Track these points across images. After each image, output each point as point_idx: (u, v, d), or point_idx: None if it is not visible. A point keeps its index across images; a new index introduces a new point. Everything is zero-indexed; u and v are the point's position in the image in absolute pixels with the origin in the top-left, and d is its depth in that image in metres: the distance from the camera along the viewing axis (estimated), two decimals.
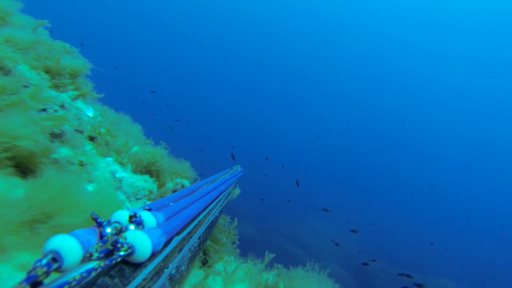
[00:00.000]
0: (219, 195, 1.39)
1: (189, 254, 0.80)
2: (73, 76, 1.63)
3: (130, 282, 0.57)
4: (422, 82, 46.42)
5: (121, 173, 1.36)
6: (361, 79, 48.49)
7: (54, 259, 0.51)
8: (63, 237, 0.55)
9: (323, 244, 15.03)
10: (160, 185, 1.78)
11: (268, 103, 50.82)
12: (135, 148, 1.81)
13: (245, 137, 41.52)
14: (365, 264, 7.94)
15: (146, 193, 1.51)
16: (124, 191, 1.30)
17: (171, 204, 0.90)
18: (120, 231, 0.66)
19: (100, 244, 0.59)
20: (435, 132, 47.55)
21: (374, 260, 8.00)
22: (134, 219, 0.71)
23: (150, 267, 0.63)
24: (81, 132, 1.41)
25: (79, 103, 1.62)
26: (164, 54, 50.44)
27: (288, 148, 43.59)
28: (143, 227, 0.72)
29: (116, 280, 0.56)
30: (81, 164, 1.17)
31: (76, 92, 1.60)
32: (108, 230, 0.63)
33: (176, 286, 0.71)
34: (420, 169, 41.85)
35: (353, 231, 8.86)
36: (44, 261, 0.49)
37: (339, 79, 49.40)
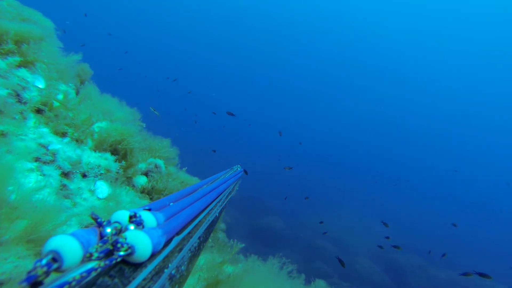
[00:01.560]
0: (219, 195, 1.39)
1: (189, 254, 0.80)
2: (18, 42, 1.47)
3: (130, 282, 0.57)
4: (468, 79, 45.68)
5: (55, 145, 1.21)
6: (399, 76, 48.16)
7: (54, 259, 0.51)
8: (63, 237, 0.55)
9: (354, 238, 14.60)
10: (128, 165, 1.66)
11: (295, 100, 51.03)
12: (101, 124, 1.65)
13: (268, 133, 41.69)
14: (396, 246, 7.68)
15: (102, 171, 1.41)
16: (59, 165, 1.17)
17: (171, 204, 0.90)
18: (120, 231, 0.66)
19: (100, 244, 0.59)
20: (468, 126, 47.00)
21: (397, 247, 7.71)
22: (134, 219, 0.71)
23: (150, 267, 0.63)
24: (23, 102, 1.27)
25: (24, 72, 1.43)
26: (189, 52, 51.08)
27: (319, 142, 43.96)
28: (143, 227, 0.72)
29: (116, 280, 0.56)
30: (1, 134, 1.07)
31: (17, 59, 1.37)
32: (108, 230, 0.63)
33: (176, 286, 0.71)
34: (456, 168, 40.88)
35: (384, 223, 8.58)
36: (44, 261, 0.49)
37: (374, 77, 49.17)
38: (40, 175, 1.06)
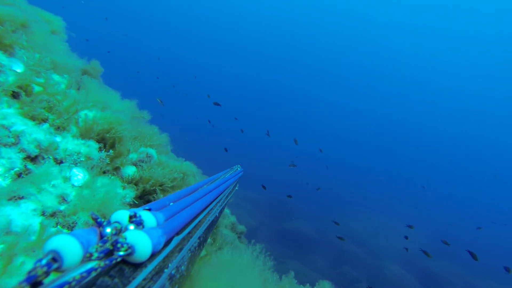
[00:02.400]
0: (219, 195, 1.39)
1: (189, 254, 0.80)
2: None
3: (130, 282, 0.57)
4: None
5: (20, 127, 1.14)
6: (414, 78, 47.81)
7: (54, 259, 0.51)
8: (63, 237, 0.55)
9: (381, 242, 14.05)
10: (116, 155, 1.60)
11: (317, 105, 50.94)
12: (88, 113, 1.60)
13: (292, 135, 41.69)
14: (425, 252, 7.35)
15: (82, 158, 1.32)
16: (23, 148, 1.10)
17: (171, 204, 0.90)
18: (120, 231, 0.66)
19: (100, 244, 0.59)
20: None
21: (427, 254, 7.33)
22: (134, 219, 0.71)
23: (150, 267, 0.63)
24: None
25: (0, 56, 1.36)
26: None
27: (344, 145, 43.73)
28: (143, 227, 0.72)
29: (116, 280, 0.56)
30: None
31: None
32: (108, 230, 0.63)
33: (176, 286, 0.71)
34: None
35: (409, 226, 8.20)
36: (44, 261, 0.49)
37: (394, 77, 48.85)
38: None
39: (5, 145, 1.05)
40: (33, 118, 1.30)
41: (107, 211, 1.21)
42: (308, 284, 2.14)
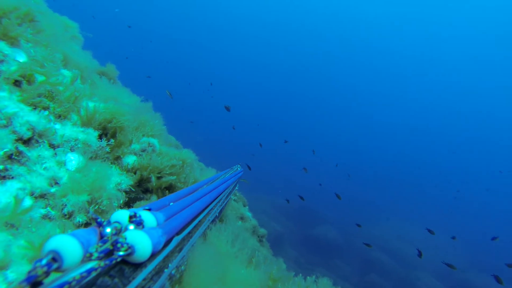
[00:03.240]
0: (219, 195, 1.39)
1: (190, 254, 0.80)
2: (0, 14, 1.50)
3: (130, 282, 0.57)
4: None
5: (12, 109, 1.18)
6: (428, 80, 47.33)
7: (54, 259, 0.51)
8: (63, 237, 0.54)
9: (413, 251, 13.14)
10: (117, 144, 1.66)
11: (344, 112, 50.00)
12: (89, 103, 1.64)
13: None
14: (450, 265, 6.61)
15: (79, 145, 1.37)
16: (15, 130, 1.15)
17: (171, 204, 0.90)
18: (120, 231, 0.66)
19: (100, 244, 0.59)
20: None
21: (452, 266, 6.65)
22: (134, 219, 0.70)
23: (150, 267, 0.63)
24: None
25: (3, 46, 1.45)
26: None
27: (377, 150, 42.59)
28: (143, 227, 0.72)
29: (116, 280, 0.56)
30: None
31: None
32: (108, 230, 0.63)
33: (176, 286, 0.71)
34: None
35: (429, 230, 7.50)
36: (44, 261, 0.49)
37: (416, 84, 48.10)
38: None
39: None
40: (34, 106, 1.35)
41: (98, 194, 1.23)
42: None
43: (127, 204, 1.54)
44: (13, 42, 1.54)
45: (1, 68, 1.33)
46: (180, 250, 0.76)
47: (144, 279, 0.60)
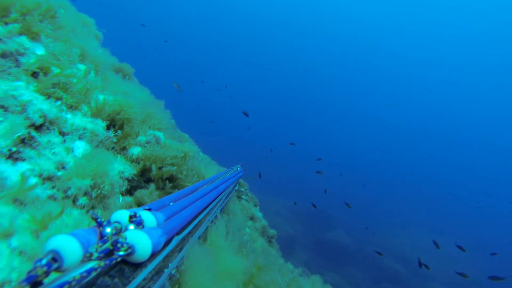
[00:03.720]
0: (219, 195, 1.39)
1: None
2: (23, 13, 1.64)
3: (130, 282, 0.57)
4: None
5: (27, 97, 1.30)
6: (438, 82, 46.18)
7: (54, 259, 0.51)
8: (63, 237, 0.54)
9: (429, 260, 12.43)
10: (124, 135, 1.77)
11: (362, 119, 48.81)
12: (99, 95, 1.76)
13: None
14: (462, 274, 6.24)
15: (87, 134, 1.50)
16: (28, 116, 1.26)
17: (171, 204, 0.90)
18: (120, 231, 0.66)
19: (100, 244, 0.59)
20: None
21: (464, 275, 6.13)
22: (134, 219, 0.70)
23: (150, 267, 0.63)
24: (17, 65, 1.43)
25: (24, 40, 1.58)
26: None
27: (391, 158, 41.41)
28: (143, 227, 0.72)
29: (116, 280, 0.56)
30: None
31: (16, 25, 1.57)
32: (108, 230, 0.63)
33: (176, 286, 0.71)
34: None
35: (459, 247, 7.11)
36: (44, 261, 0.49)
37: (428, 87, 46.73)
38: (3, 121, 1.18)
39: (12, 112, 1.21)
40: (48, 96, 1.45)
41: (101, 180, 1.34)
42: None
43: (129, 192, 1.60)
44: (34, 37, 1.65)
45: (21, 60, 1.45)
46: (180, 250, 0.76)
47: (144, 279, 0.60)
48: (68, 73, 1.59)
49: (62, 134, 1.39)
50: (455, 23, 39.32)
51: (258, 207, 4.46)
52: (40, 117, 1.30)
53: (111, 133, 1.64)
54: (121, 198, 1.53)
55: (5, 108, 1.20)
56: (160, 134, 1.92)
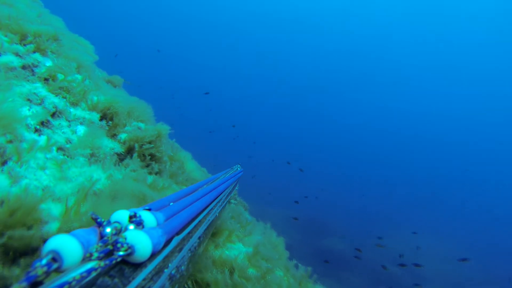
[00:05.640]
0: (219, 195, 1.39)
1: (189, 254, 0.80)
2: (36, 37, 2.30)
3: (130, 282, 0.57)
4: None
5: (44, 93, 1.86)
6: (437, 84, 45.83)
7: (54, 259, 0.51)
8: (63, 237, 0.55)
9: (430, 265, 12.23)
10: (114, 125, 2.27)
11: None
12: (94, 96, 2.29)
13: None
14: (464, 259, 6.47)
15: (86, 122, 2.02)
16: (45, 107, 1.79)
17: (171, 204, 0.90)
18: (120, 231, 0.66)
19: (100, 244, 0.59)
20: None
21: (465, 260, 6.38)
22: (134, 219, 0.71)
23: (150, 267, 0.63)
24: (33, 73, 2.00)
25: (37, 55, 2.20)
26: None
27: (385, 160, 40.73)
28: (143, 227, 0.72)
29: (116, 280, 0.56)
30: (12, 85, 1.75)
31: (32, 45, 2.22)
32: (108, 230, 0.63)
33: (176, 286, 0.71)
34: None
35: (464, 259, 6.92)
36: (44, 261, 0.49)
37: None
38: (29, 109, 1.69)
39: (34, 104, 1.76)
40: (56, 94, 1.98)
41: (97, 151, 1.83)
42: None
43: (119, 162, 2.02)
44: (43, 53, 2.29)
45: (36, 70, 2.05)
46: (180, 250, 0.76)
47: (144, 279, 0.60)
48: (70, 79, 2.15)
49: (68, 120, 1.90)
50: (455, 22, 39.31)
51: (248, 210, 4.51)
52: (53, 107, 1.84)
53: (103, 122, 2.18)
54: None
55: (30, 100, 1.76)
56: (142, 124, 2.46)
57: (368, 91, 48.76)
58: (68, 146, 1.68)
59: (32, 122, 1.59)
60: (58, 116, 1.83)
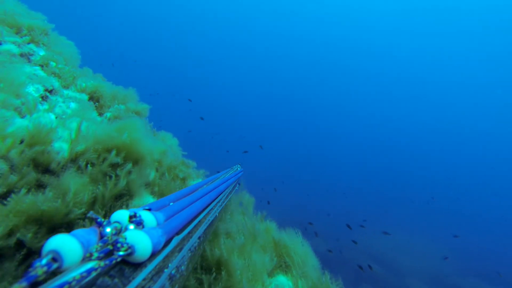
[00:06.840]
0: (219, 195, 1.39)
1: (189, 254, 0.80)
2: (30, 30, 2.72)
3: (130, 282, 0.57)
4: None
5: (43, 75, 2.33)
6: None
7: (54, 259, 0.51)
8: (63, 237, 0.54)
9: (405, 259, 12.84)
10: (100, 106, 2.68)
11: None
12: (82, 82, 2.66)
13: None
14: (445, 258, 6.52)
15: (77, 100, 2.35)
16: (44, 85, 2.18)
17: (171, 204, 0.90)
18: (120, 231, 0.66)
19: (100, 244, 0.59)
20: None
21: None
22: (134, 219, 0.70)
23: (150, 267, 0.63)
24: (29, 61, 2.40)
25: (32, 46, 2.59)
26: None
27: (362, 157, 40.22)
28: (143, 227, 0.72)
29: (116, 280, 0.56)
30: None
31: (27, 37, 2.62)
32: (108, 230, 0.63)
33: (176, 286, 0.71)
34: None
35: (445, 258, 7.14)
36: (44, 261, 0.49)
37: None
38: (32, 85, 2.06)
39: (36, 82, 2.11)
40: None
41: (87, 122, 2.04)
42: None
43: None
44: (37, 44, 2.69)
45: (32, 58, 2.44)
46: (180, 250, 0.75)
47: (144, 279, 0.60)
48: (61, 67, 2.60)
49: (62, 97, 2.26)
50: (455, 23, 39.22)
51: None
52: (50, 86, 2.22)
53: (91, 102, 2.59)
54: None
55: (32, 79, 2.12)
56: (122, 107, 2.92)
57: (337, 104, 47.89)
58: (64, 117, 2.04)
59: (36, 95, 2.01)
60: (55, 93, 2.23)
